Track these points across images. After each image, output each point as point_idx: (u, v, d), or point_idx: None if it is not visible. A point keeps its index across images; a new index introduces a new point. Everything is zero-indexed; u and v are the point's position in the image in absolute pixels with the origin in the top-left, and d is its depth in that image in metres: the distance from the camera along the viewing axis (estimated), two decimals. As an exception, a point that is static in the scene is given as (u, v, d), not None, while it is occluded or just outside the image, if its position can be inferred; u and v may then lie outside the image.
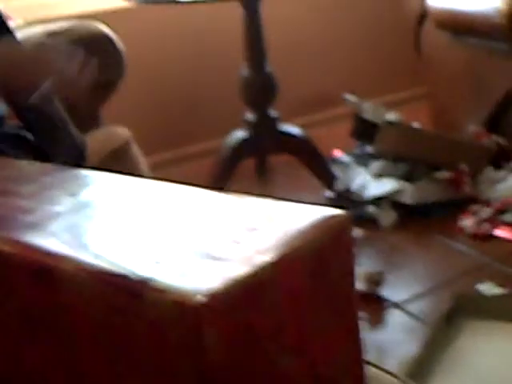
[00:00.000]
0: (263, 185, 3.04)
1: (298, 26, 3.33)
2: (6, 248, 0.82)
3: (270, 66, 2.85)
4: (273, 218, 0.82)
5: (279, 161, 3.06)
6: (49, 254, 0.78)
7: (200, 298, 0.66)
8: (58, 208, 0.90)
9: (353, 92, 3.05)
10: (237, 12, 2.81)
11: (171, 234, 0.79)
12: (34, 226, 0.85)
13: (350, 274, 0.83)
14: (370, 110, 3.00)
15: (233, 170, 2.84)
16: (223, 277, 0.69)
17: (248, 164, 2.99)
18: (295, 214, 0.82)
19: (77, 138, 1.49)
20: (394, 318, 2.18)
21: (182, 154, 3.15)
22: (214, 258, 0.73)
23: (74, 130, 1.48)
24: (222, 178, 2.80)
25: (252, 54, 2.83)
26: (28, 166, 1.08)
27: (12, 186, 0.98)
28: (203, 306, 0.66)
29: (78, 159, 1.46)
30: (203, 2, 2.80)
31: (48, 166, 1.08)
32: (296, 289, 0.76)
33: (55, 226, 0.85)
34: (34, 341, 0.82)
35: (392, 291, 2.29)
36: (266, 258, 0.73)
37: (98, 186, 0.97)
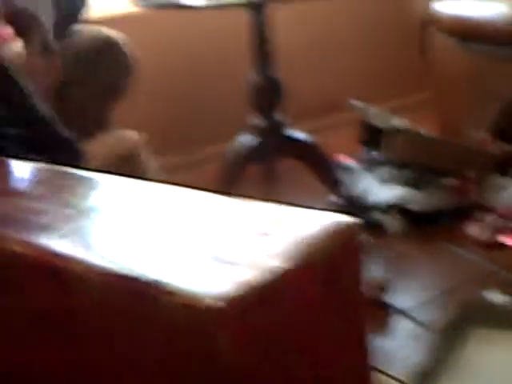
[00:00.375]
0: (269, 190, 3.04)
1: (304, 31, 3.33)
2: (19, 249, 0.83)
3: (277, 71, 2.84)
4: (283, 224, 0.82)
5: (285, 166, 3.05)
6: (60, 256, 0.79)
7: (213, 302, 0.66)
8: (69, 210, 0.91)
9: (359, 97, 3.04)
10: (244, 17, 2.81)
11: (183, 238, 0.79)
12: (45, 228, 0.86)
13: (359, 281, 0.83)
14: (376, 116, 3.00)
15: (239, 175, 2.83)
16: (235, 281, 0.69)
17: (254, 169, 2.98)
18: (305, 220, 0.82)
19: (66, 136, 1.49)
20: (401, 325, 2.17)
21: (189, 158, 3.15)
22: (226, 263, 0.73)
23: (61, 128, 1.48)
24: (228, 183, 2.80)
25: (259, 59, 2.83)
26: (39, 168, 1.08)
27: (24, 188, 0.98)
28: (216, 309, 0.66)
29: (74, 158, 1.46)
30: (211, 7, 2.79)
31: (58, 168, 1.08)
32: (307, 294, 0.76)
33: (66, 228, 0.86)
34: (42, 339, 0.82)
35: (398, 298, 2.28)
36: (279, 263, 0.73)
37: (109, 190, 0.97)
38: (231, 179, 2.82)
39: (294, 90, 2.94)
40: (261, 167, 3.09)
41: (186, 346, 0.68)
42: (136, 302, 0.71)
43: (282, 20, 3.01)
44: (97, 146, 1.75)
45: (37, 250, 0.81)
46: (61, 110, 1.45)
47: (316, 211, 0.83)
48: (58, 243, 0.81)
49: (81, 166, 1.36)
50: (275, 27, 2.84)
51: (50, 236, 0.83)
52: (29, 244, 0.83)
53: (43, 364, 0.83)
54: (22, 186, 1.00)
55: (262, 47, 2.82)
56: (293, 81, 2.93)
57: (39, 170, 1.08)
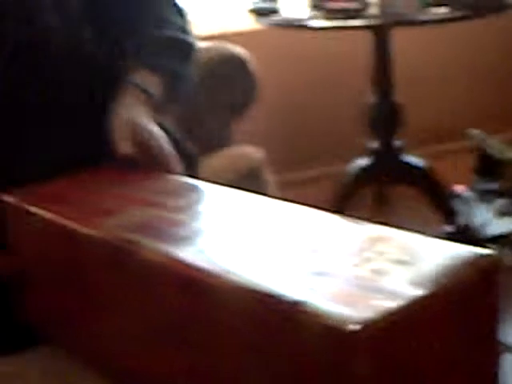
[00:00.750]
0: (380, 214, 3.02)
1: (426, 57, 3.31)
2: (158, 259, 0.84)
3: (396, 96, 2.83)
4: (419, 252, 0.81)
5: (399, 191, 3.03)
6: (199, 269, 0.80)
7: (353, 326, 0.66)
8: (205, 223, 0.93)
9: (476, 126, 3.00)
10: (366, 39, 2.81)
11: (318, 259, 0.79)
12: (183, 240, 0.88)
13: (496, 316, 0.81)
14: (494, 146, 2.94)
15: (352, 197, 2.83)
16: (375, 306, 0.69)
17: (367, 192, 2.97)
18: (443, 250, 0.81)
19: (187, 149, 1.51)
20: (510, 363, 2.12)
21: (302, 176, 3.16)
22: (366, 288, 0.73)
23: (185, 143, 1.50)
24: (340, 204, 2.79)
25: (379, 83, 2.82)
26: (173, 180, 1.11)
27: (163, 200, 1.00)
28: (356, 333, 0.66)
29: (190, 169, 1.48)
30: (333, 28, 2.80)
31: (192, 181, 1.10)
32: (441, 324, 0.75)
33: (203, 240, 0.87)
34: (180, 348, 0.84)
35: (509, 334, 2.23)
36: (418, 291, 0.72)
37: (241, 205, 0.99)
38: (344, 200, 2.81)
39: (412, 115, 2.92)
40: (373, 190, 3.07)
41: (323, 367, 0.68)
42: (276, 319, 0.71)
43: (402, 44, 3.00)
44: (218, 162, 1.76)
45: (175, 262, 0.83)
46: (183, 125, 1.47)
47: (453, 243, 0.82)
48: (196, 256, 0.82)
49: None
50: (396, 51, 2.83)
51: (189, 248, 0.85)
52: (168, 255, 0.84)
53: (177, 369, 0.85)
54: (160, 197, 1.02)
55: (383, 71, 2.81)
56: (410, 106, 2.91)
57: (175, 181, 1.10)
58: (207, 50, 2.00)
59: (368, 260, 0.79)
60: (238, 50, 2.03)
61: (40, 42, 1.28)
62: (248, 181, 1.65)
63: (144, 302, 0.88)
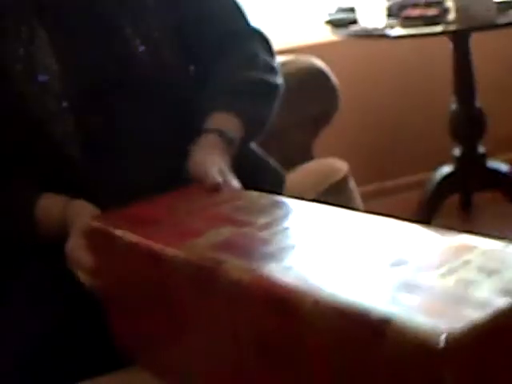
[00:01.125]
0: (467, 221, 2.98)
1: (508, 61, 3.26)
2: (246, 277, 0.85)
3: (479, 101, 2.79)
4: (507, 260, 0.80)
5: (485, 197, 2.99)
6: (287, 286, 0.80)
7: (443, 338, 0.66)
8: (292, 240, 0.93)
9: None
10: (445, 46, 2.78)
11: (404, 272, 0.79)
12: (271, 257, 0.88)
13: None
14: None
15: (438, 205, 2.80)
16: (464, 317, 0.69)
17: (454, 199, 2.94)
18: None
19: (276, 168, 1.52)
20: None
21: (387, 186, 3.15)
22: (453, 299, 0.72)
23: (271, 160, 1.51)
24: (426, 213, 2.77)
25: (461, 89, 2.80)
26: (258, 197, 1.11)
27: (248, 217, 1.02)
28: (447, 345, 0.66)
29: (278, 187, 1.48)
30: (411, 36, 2.78)
31: (277, 198, 1.11)
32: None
33: (291, 258, 0.88)
34: (270, 368, 0.84)
35: None
36: (506, 300, 0.71)
37: (326, 220, 0.99)
38: (430, 209, 2.79)
39: (496, 120, 2.88)
40: (460, 198, 3.04)
41: (411, 380, 0.68)
42: (366, 336, 0.71)
43: (483, 48, 2.96)
44: (302, 175, 1.76)
45: (264, 280, 0.83)
46: (267, 140, 1.48)
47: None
48: (284, 274, 0.83)
49: (287, 194, 1.39)
50: (477, 56, 2.80)
51: (277, 266, 0.86)
52: (256, 273, 0.85)
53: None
54: (245, 214, 1.03)
55: (465, 77, 2.78)
56: (493, 110, 2.87)
57: (258, 198, 1.11)
58: (287, 63, 2.01)
59: (454, 270, 0.78)
60: (318, 62, 2.03)
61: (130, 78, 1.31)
62: (333, 194, 1.65)
63: (232, 322, 0.88)
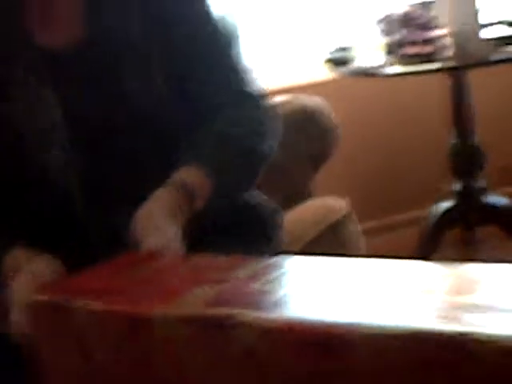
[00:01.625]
0: (469, 256, 2.98)
1: (505, 95, 3.27)
2: (273, 325, 0.81)
3: (477, 136, 2.81)
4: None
5: (486, 232, 2.99)
6: (322, 325, 0.79)
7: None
8: (290, 289, 0.91)
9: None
10: (443, 81, 2.80)
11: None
12: (284, 304, 0.86)
13: None
14: None
15: (438, 241, 2.80)
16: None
17: (454, 234, 2.94)
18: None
19: (272, 211, 1.50)
20: None
21: (386, 222, 3.15)
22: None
23: (266, 201, 1.49)
24: (427, 248, 2.78)
25: (458, 125, 2.81)
26: (205, 258, 1.06)
27: (219, 275, 0.95)
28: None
29: (274, 230, 1.47)
30: (409, 74, 2.80)
31: (232, 258, 1.03)
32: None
33: (306, 302, 0.86)
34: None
35: None
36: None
37: (309, 269, 0.96)
38: (430, 244, 2.79)
39: (493, 153, 2.89)
40: (461, 233, 3.04)
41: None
42: (446, 354, 0.72)
43: (481, 82, 2.98)
44: (301, 215, 1.77)
45: (295, 324, 0.80)
46: (263, 179, 1.48)
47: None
48: (302, 315, 0.81)
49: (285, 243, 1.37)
50: (475, 89, 2.81)
51: (286, 311, 0.83)
52: (276, 319, 0.82)
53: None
54: (223, 273, 0.96)
55: (461, 112, 2.80)
56: (491, 144, 2.88)
57: (214, 259, 1.04)
58: (286, 102, 2.02)
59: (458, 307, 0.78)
60: (314, 101, 2.05)
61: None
62: (332, 233, 1.65)
63: (258, 370, 0.83)
